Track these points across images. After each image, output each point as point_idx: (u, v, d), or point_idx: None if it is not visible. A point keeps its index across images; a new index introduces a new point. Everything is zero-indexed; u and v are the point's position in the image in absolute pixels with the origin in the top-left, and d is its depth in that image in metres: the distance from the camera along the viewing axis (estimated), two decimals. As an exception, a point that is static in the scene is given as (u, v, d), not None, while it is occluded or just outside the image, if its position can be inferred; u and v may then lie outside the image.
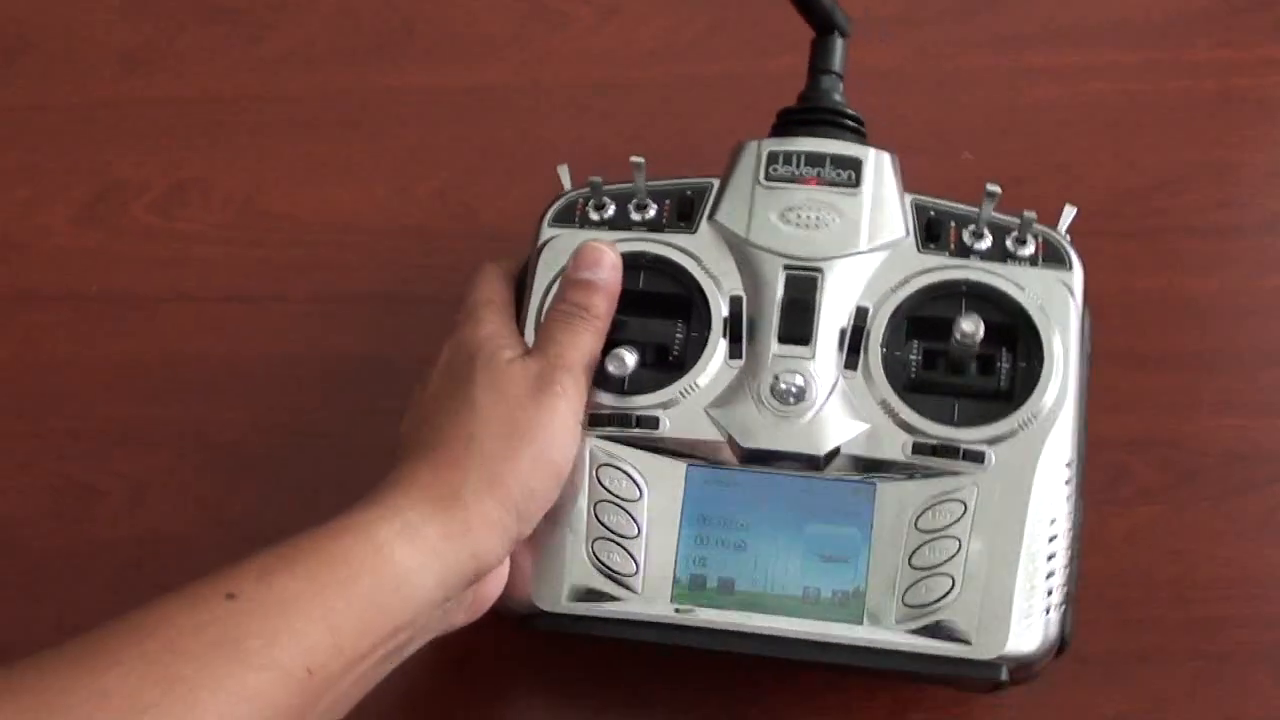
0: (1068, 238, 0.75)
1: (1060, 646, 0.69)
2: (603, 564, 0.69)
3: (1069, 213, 0.75)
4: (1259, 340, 0.85)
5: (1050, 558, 0.68)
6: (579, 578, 0.70)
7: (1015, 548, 0.68)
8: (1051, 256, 0.74)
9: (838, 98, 0.78)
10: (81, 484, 0.84)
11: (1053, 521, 0.69)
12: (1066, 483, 0.70)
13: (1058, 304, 0.72)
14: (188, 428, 0.85)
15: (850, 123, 0.77)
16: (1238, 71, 0.93)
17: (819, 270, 0.72)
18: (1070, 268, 0.74)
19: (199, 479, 0.83)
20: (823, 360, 0.71)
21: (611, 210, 0.76)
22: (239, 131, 0.94)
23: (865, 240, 0.73)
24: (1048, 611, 0.68)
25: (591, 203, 0.76)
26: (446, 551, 0.62)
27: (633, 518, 0.70)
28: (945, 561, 0.68)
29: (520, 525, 0.66)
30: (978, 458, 0.69)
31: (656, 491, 0.71)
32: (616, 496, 0.70)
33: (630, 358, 0.71)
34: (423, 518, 0.62)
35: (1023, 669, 0.68)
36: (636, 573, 0.69)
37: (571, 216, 0.76)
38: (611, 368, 0.71)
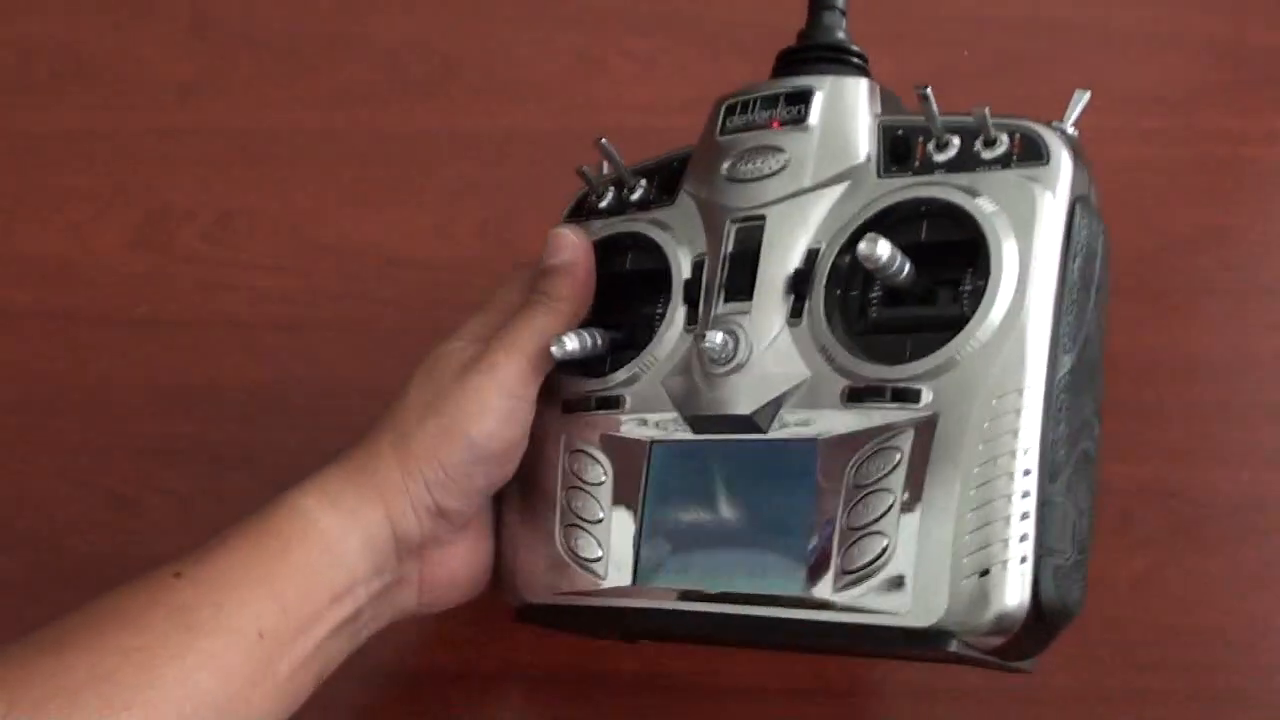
0: (1072, 132, 0.65)
1: (1039, 611, 0.57)
2: (573, 551, 0.68)
3: (1079, 98, 0.66)
4: (1263, 395, 0.86)
5: (1008, 503, 0.57)
6: (553, 567, 0.68)
7: (951, 496, 0.58)
8: (1028, 154, 0.63)
9: (840, 35, 0.71)
10: (124, 498, 0.86)
11: (1012, 460, 0.58)
12: (1022, 413, 0.58)
13: (1020, 206, 0.61)
14: (230, 449, 0.88)
15: (852, 59, 0.70)
16: (1246, 141, 0.95)
17: (761, 217, 0.66)
18: (1046, 162, 0.62)
19: (240, 499, 0.85)
20: (765, 312, 0.64)
21: (610, 196, 0.75)
22: (288, 163, 0.97)
23: (811, 176, 0.66)
24: (1006, 567, 0.57)
25: (594, 195, 0.75)
26: (362, 515, 0.65)
27: (598, 502, 0.67)
28: (878, 519, 0.59)
29: (435, 496, 0.66)
30: (911, 397, 0.60)
31: (623, 473, 0.67)
32: (584, 481, 0.68)
33: (571, 340, 0.67)
34: (339, 486, 0.66)
35: (989, 637, 0.58)
36: (601, 559, 0.67)
37: (583, 211, 0.76)
38: (553, 349, 0.66)
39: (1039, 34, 0.99)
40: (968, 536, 0.57)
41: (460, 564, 0.70)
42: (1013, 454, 0.57)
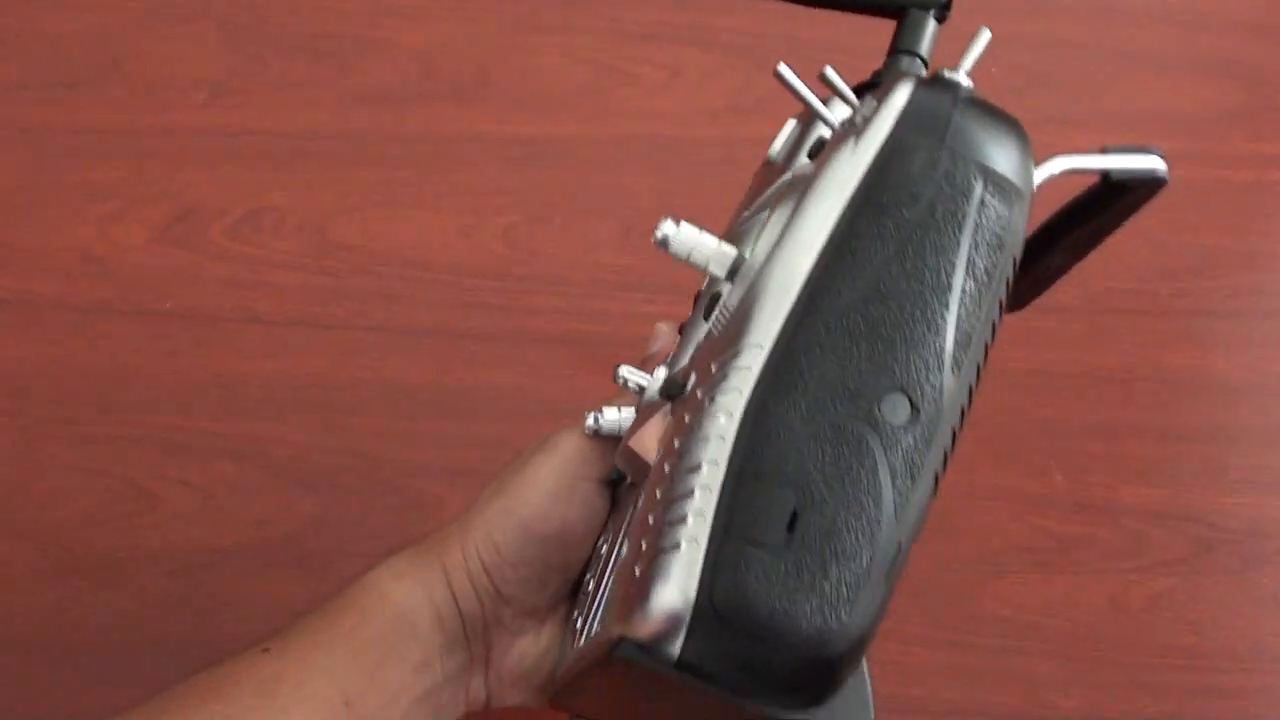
0: (957, 78, 0.54)
1: (719, 612, 0.46)
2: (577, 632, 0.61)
3: (977, 40, 0.57)
4: (1282, 420, 0.87)
5: (693, 474, 0.48)
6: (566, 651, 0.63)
7: (654, 496, 0.50)
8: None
9: None
10: (144, 490, 0.87)
11: (700, 451, 0.48)
12: (732, 369, 0.50)
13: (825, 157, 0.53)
14: (249, 444, 0.88)
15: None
16: (1270, 165, 0.96)
17: None
18: (889, 94, 0.52)
19: (257, 494, 0.86)
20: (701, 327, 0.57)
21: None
22: (316, 164, 0.97)
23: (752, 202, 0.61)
24: (671, 552, 0.47)
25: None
26: (431, 591, 0.64)
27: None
28: (624, 529, 0.55)
29: (493, 579, 0.64)
30: (677, 391, 0.53)
31: None
32: (600, 555, 0.62)
33: (610, 411, 0.60)
34: (409, 563, 0.65)
35: (660, 642, 0.47)
36: None
37: None
38: (587, 419, 0.61)
39: (1066, 54, 1.00)
40: (653, 517, 0.49)
41: (530, 658, 0.66)
42: (711, 417, 0.49)
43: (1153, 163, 0.59)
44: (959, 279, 0.49)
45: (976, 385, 0.51)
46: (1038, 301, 0.91)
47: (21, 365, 0.91)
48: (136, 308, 0.93)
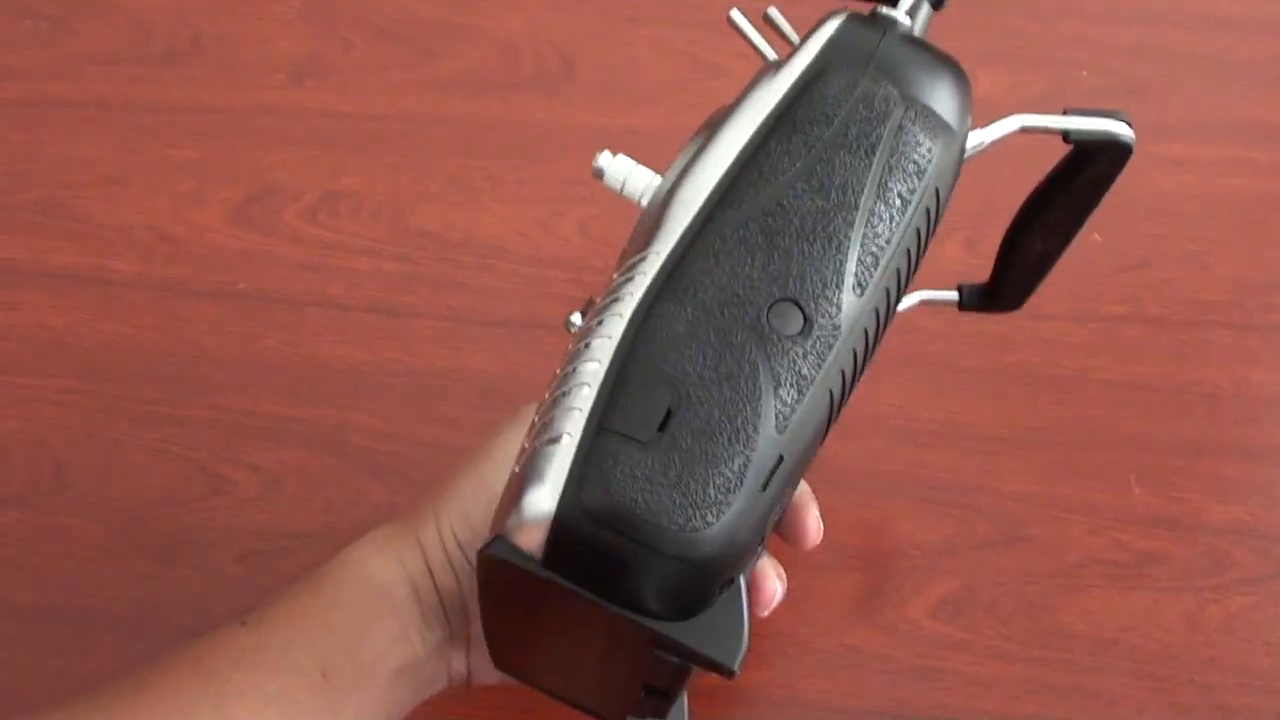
0: (895, 16, 0.54)
1: (589, 512, 0.45)
2: None
3: None
4: (1369, 439, 0.85)
5: (566, 396, 0.47)
6: None
7: (543, 398, 0.49)
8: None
9: None
10: (213, 473, 0.87)
11: (587, 352, 0.48)
12: (609, 300, 0.50)
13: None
14: (321, 430, 0.88)
15: None
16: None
17: None
18: (819, 25, 0.54)
19: (327, 480, 0.86)
20: None
21: None
22: (396, 149, 0.97)
23: None
24: (546, 447, 0.46)
25: None
26: (407, 564, 0.65)
27: None
28: None
29: (466, 554, 0.64)
30: (588, 308, 0.55)
31: None
32: None
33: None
34: (386, 537, 0.66)
35: (528, 535, 0.46)
36: None
37: None
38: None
39: (1160, 60, 0.98)
40: (538, 416, 0.49)
41: None
42: (603, 319, 0.49)
43: (1114, 127, 0.59)
44: (867, 199, 0.48)
45: (888, 313, 0.49)
46: (1122, 311, 0.89)
47: (96, 343, 0.91)
48: (211, 288, 0.92)
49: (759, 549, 0.48)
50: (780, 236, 0.48)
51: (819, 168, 0.49)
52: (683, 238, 0.49)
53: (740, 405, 0.45)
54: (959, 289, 0.72)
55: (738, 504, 0.43)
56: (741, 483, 0.43)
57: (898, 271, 0.49)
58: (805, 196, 0.49)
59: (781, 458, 0.44)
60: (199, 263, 0.93)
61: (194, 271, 0.93)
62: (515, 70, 0.99)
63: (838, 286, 0.47)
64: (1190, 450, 0.85)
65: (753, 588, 0.59)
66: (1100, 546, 0.83)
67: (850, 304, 0.47)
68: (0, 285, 0.93)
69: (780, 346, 0.46)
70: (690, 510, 0.43)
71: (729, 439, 0.44)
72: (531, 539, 0.45)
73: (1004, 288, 0.71)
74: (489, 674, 0.66)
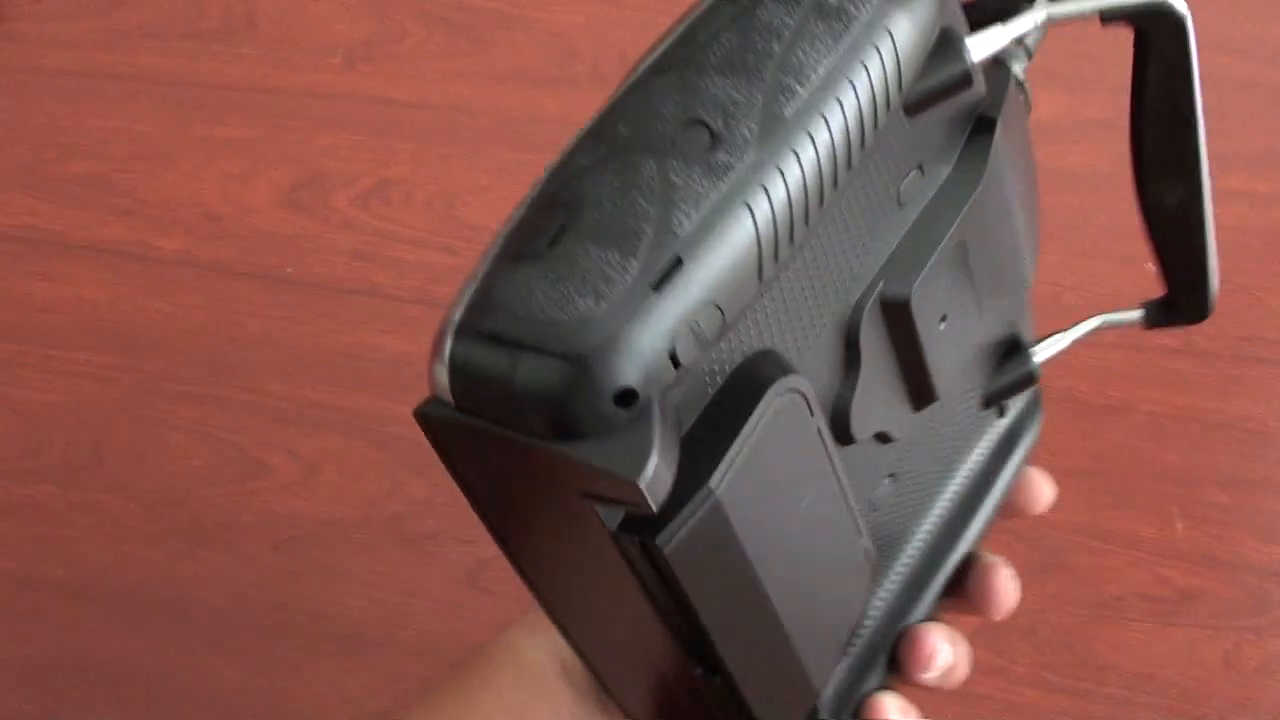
0: None
1: (475, 332, 0.41)
2: None
3: None
4: None
5: (488, 248, 0.44)
6: None
7: None
8: None
9: None
10: (252, 457, 0.86)
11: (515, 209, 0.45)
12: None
13: None
14: (362, 419, 0.87)
15: None
16: None
17: None
18: None
19: (366, 470, 0.86)
20: None
21: None
22: (448, 138, 0.96)
23: None
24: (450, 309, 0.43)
25: None
26: (558, 642, 0.60)
27: None
28: None
29: None
30: None
31: None
32: None
33: None
34: (536, 617, 0.63)
35: (438, 398, 0.43)
36: None
37: None
38: None
39: (1217, 89, 0.96)
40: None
41: None
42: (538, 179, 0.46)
43: None
44: (793, 37, 0.45)
45: (835, 147, 0.45)
46: (1172, 343, 0.89)
47: (138, 320, 0.90)
48: (256, 270, 0.92)
49: (676, 376, 0.44)
50: (697, 76, 0.45)
51: (744, 18, 0.46)
52: (609, 102, 0.46)
53: (633, 212, 0.42)
54: (1144, 306, 0.68)
55: (622, 297, 0.41)
56: (627, 276, 0.41)
57: (842, 108, 0.45)
58: (726, 39, 0.46)
59: (679, 259, 0.41)
60: (245, 244, 0.93)
61: (240, 253, 0.92)
62: (571, 65, 0.99)
63: (750, 106, 0.44)
64: (1235, 486, 0.85)
65: (910, 642, 0.58)
66: (1140, 580, 0.82)
67: (768, 120, 0.44)
68: (43, 257, 0.92)
69: (682, 161, 0.43)
70: (569, 305, 0.40)
71: (618, 242, 0.42)
72: (443, 381, 0.42)
73: (1174, 281, 0.67)
74: None
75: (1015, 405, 0.61)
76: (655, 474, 0.39)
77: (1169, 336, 0.89)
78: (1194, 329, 0.87)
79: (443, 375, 0.42)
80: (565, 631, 0.55)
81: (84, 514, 0.85)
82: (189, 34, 1.00)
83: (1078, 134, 0.92)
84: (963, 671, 0.59)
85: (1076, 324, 0.60)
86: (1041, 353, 0.59)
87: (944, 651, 0.58)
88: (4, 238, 0.93)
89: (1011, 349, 0.59)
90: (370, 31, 0.99)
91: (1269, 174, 0.94)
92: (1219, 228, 0.91)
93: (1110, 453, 0.86)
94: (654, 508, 0.39)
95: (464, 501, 0.76)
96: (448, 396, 0.42)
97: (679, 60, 0.45)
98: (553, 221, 0.42)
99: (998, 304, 0.55)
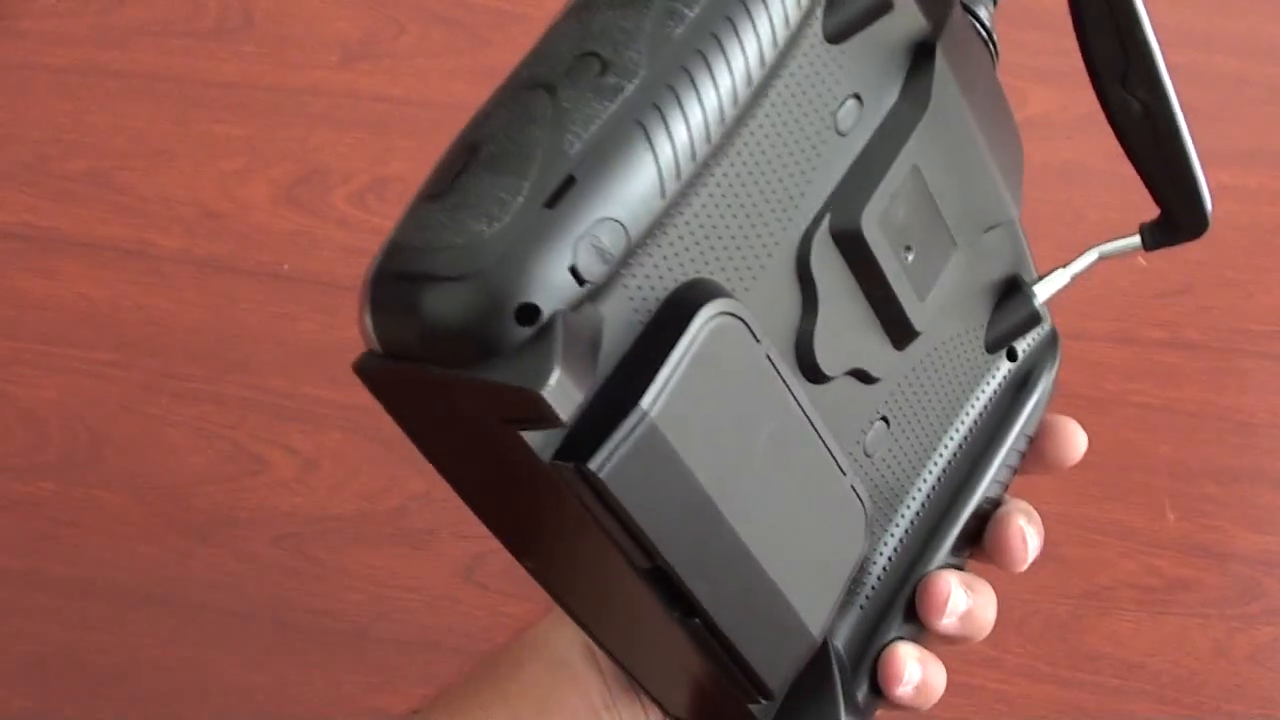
0: None
1: (390, 275, 0.42)
2: None
3: None
4: None
5: None
6: None
7: None
8: None
9: None
10: (251, 453, 0.87)
11: None
12: None
13: None
14: (361, 416, 0.88)
15: None
16: None
17: None
18: None
19: (364, 465, 0.86)
20: None
21: None
22: (445, 135, 0.94)
23: None
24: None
25: None
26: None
27: None
28: None
29: None
30: None
31: None
32: None
33: None
34: None
35: (371, 350, 0.44)
36: None
37: None
38: None
39: (1210, 86, 0.98)
40: None
41: None
42: None
43: None
44: None
45: (724, 70, 0.45)
46: (1162, 336, 0.90)
47: (136, 316, 0.91)
48: (254, 267, 0.92)
49: (583, 292, 0.42)
50: (591, 13, 0.45)
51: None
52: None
53: (526, 140, 0.42)
54: (1140, 229, 0.67)
55: (514, 217, 0.41)
56: (519, 197, 0.41)
57: (729, 21, 0.45)
58: None
59: (572, 178, 0.42)
60: (243, 241, 0.93)
61: (238, 250, 0.93)
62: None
63: (638, 32, 0.44)
64: (1225, 478, 0.86)
65: (924, 590, 0.57)
66: (1132, 570, 0.83)
67: (656, 42, 0.44)
68: (42, 254, 0.93)
69: (574, 89, 0.44)
70: (464, 231, 0.41)
71: (511, 168, 0.42)
72: (368, 330, 0.43)
73: (1165, 197, 0.63)
74: None
75: (1027, 348, 0.61)
76: (559, 384, 0.39)
77: (1159, 329, 0.90)
78: (1184, 322, 0.89)
79: (367, 324, 0.42)
80: (554, 595, 0.55)
81: (83, 510, 0.85)
82: (188, 32, 1.00)
83: (1070, 129, 0.93)
84: (984, 620, 0.58)
85: (1075, 258, 0.60)
86: (1042, 291, 0.59)
87: (958, 596, 0.57)
88: (3, 235, 0.94)
89: (1010, 288, 0.59)
90: (368, 29, 1.00)
91: (1259, 170, 0.95)
92: (1209, 221, 0.92)
93: (1102, 445, 0.86)
94: (563, 419, 0.39)
95: (453, 502, 0.77)
96: (376, 345, 0.43)
97: (579, 4, 0.45)
98: (456, 160, 0.42)
99: (977, 238, 0.55)
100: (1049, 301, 0.59)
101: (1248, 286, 0.91)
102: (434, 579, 0.83)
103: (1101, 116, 0.96)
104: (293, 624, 0.82)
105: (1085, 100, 0.98)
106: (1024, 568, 0.59)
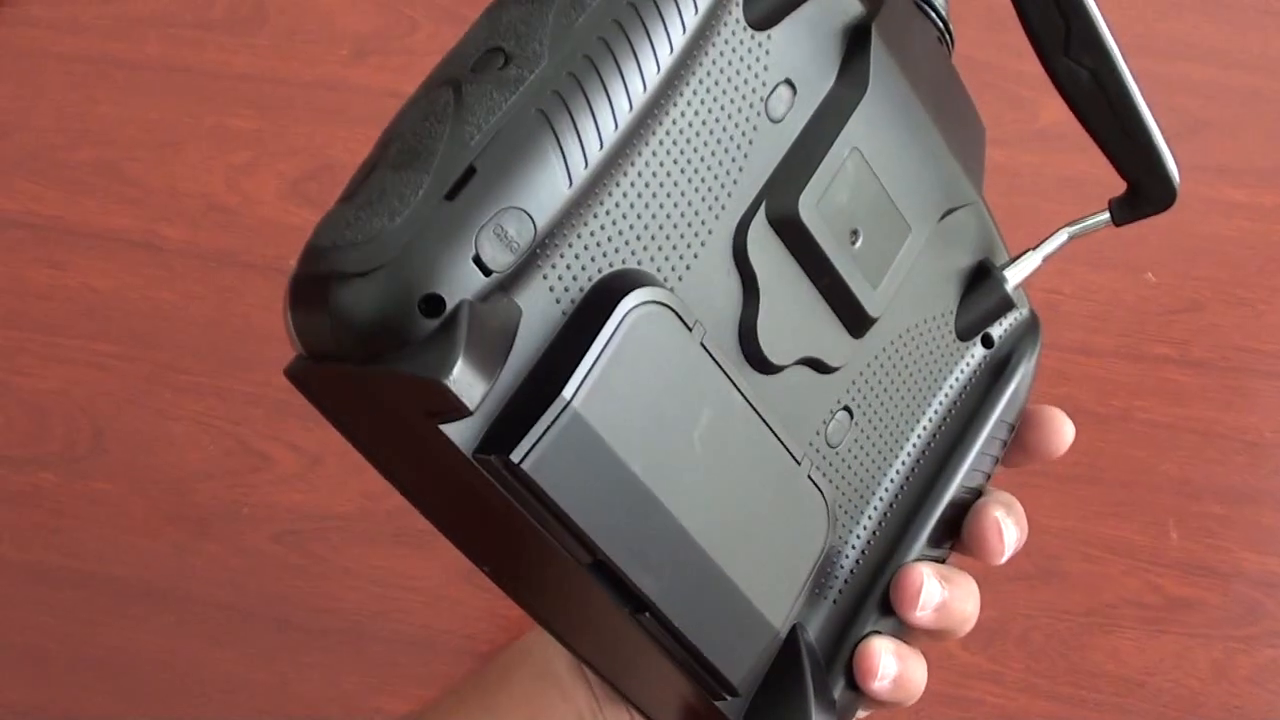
0: None
1: (306, 278, 0.43)
2: None
3: None
4: None
5: None
6: None
7: None
8: None
9: None
10: (254, 449, 0.86)
11: None
12: None
13: None
14: (365, 413, 0.87)
15: None
16: None
17: None
18: None
19: (367, 466, 0.85)
20: None
21: None
22: (456, 135, 0.95)
23: None
24: None
25: None
26: None
27: None
28: None
29: None
30: None
31: None
32: None
33: None
34: None
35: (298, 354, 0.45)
36: None
37: None
38: None
39: (1226, 102, 0.97)
40: None
41: None
42: None
43: None
44: None
45: (629, 56, 0.45)
46: (1170, 353, 0.89)
47: (142, 309, 0.90)
48: (261, 261, 0.92)
49: (489, 282, 0.42)
50: (500, 10, 0.46)
51: None
52: None
53: (429, 135, 0.43)
54: (1109, 205, 0.66)
55: (416, 209, 0.41)
56: (420, 191, 0.42)
57: (633, 8, 0.45)
58: None
59: (472, 168, 0.42)
60: (251, 235, 0.93)
61: (245, 244, 0.92)
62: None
63: (541, 24, 0.44)
64: (1230, 497, 0.85)
65: (897, 582, 0.55)
66: (1134, 588, 0.83)
67: (557, 33, 0.44)
68: (48, 244, 0.92)
69: (477, 84, 0.44)
70: (367, 226, 0.41)
71: (414, 163, 0.43)
72: (292, 334, 0.44)
73: (1128, 168, 0.61)
74: None
75: (1004, 334, 0.59)
76: (462, 372, 0.39)
77: (1167, 346, 0.89)
78: (1192, 340, 0.88)
79: (289, 326, 0.43)
80: (519, 601, 0.54)
81: (84, 503, 0.85)
82: (198, 23, 0.99)
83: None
84: (962, 613, 0.57)
85: (1045, 239, 0.58)
86: (1014, 275, 0.58)
87: (932, 587, 0.55)
88: (10, 224, 0.93)
89: (980, 273, 0.58)
90: (379, 24, 0.99)
91: (1275, 187, 0.95)
92: (1220, 239, 0.92)
93: (1108, 462, 0.86)
94: (470, 407, 0.39)
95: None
96: (300, 348, 0.43)
97: (492, 4, 0.45)
98: (370, 162, 0.43)
99: (934, 221, 0.54)
100: (1023, 285, 0.58)
101: (1258, 305, 0.91)
102: (434, 579, 0.83)
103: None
104: (293, 621, 0.82)
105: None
106: (1001, 560, 0.57)
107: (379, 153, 0.43)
